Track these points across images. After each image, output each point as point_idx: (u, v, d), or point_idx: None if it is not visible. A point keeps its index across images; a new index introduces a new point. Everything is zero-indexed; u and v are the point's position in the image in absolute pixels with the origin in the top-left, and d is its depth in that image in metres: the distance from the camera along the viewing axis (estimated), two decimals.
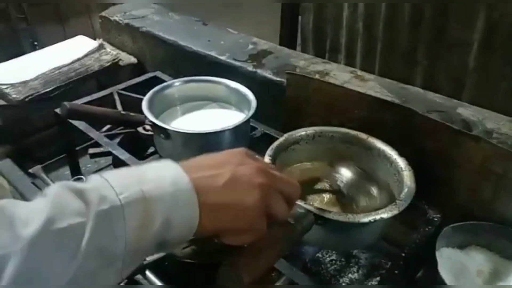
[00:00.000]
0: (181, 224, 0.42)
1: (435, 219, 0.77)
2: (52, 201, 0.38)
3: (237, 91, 0.96)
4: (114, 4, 1.51)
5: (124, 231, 0.38)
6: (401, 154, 0.75)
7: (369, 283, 0.84)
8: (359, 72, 0.95)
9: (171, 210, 0.41)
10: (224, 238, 0.47)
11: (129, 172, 0.43)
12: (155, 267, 0.80)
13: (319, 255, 0.88)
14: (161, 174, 0.42)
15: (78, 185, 0.40)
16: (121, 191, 0.39)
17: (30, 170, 1.11)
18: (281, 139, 0.78)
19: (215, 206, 0.44)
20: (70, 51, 1.31)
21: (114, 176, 0.41)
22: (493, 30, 1.17)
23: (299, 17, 1.73)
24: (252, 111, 0.88)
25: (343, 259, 0.88)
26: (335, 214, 0.62)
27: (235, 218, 0.46)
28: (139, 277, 0.78)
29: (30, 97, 1.14)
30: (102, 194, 0.39)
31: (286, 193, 0.50)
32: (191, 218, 0.42)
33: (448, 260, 0.73)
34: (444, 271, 0.68)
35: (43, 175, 1.11)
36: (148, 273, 0.80)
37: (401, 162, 0.73)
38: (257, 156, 0.52)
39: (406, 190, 0.67)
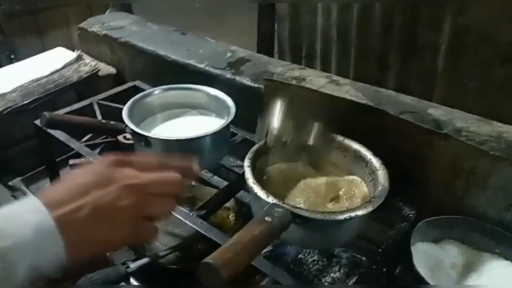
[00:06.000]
0: (49, 263, 0.42)
1: (410, 215, 0.80)
2: None
3: (216, 98, 0.98)
4: (91, 15, 1.52)
5: None
6: (376, 154, 0.78)
7: (351, 281, 0.86)
8: (335, 77, 0.98)
9: (36, 256, 0.41)
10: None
11: None
12: (139, 274, 0.80)
13: (301, 256, 0.90)
14: (22, 223, 0.41)
15: None
16: None
17: (9, 183, 1.10)
18: (260, 143, 0.80)
19: (82, 242, 0.44)
20: (49, 63, 1.31)
21: None
22: (460, 34, 1.23)
23: (275, 26, 1.76)
24: (231, 117, 0.89)
25: (324, 259, 0.89)
26: (312, 212, 0.64)
27: (107, 243, 0.47)
28: (122, 284, 0.79)
29: (8, 109, 1.13)
30: None
31: (165, 192, 0.50)
32: (59, 256, 0.42)
33: (423, 254, 0.75)
34: (420, 265, 0.71)
35: (23, 188, 1.11)
36: (132, 280, 0.80)
37: (375, 162, 0.76)
38: (127, 159, 0.50)
39: (380, 188, 0.70)
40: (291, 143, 0.79)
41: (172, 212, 0.54)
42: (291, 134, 0.79)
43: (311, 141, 0.78)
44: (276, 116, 0.79)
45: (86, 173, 0.47)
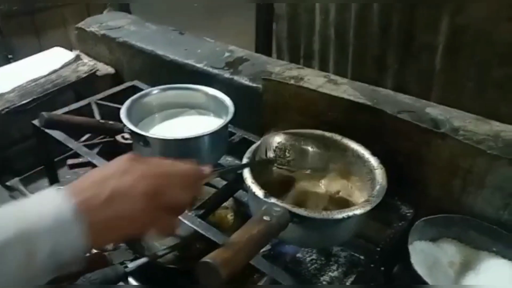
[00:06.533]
0: (69, 250, 0.43)
1: (408, 214, 0.80)
2: None
3: (214, 97, 0.98)
4: (89, 15, 1.52)
5: (13, 266, 0.40)
6: (373, 153, 0.78)
7: (349, 280, 0.86)
8: (333, 77, 0.98)
9: (57, 241, 0.42)
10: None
11: (9, 212, 0.43)
12: (138, 274, 0.81)
13: (300, 255, 0.90)
14: (43, 210, 0.43)
15: None
16: (4, 227, 0.41)
17: (8, 183, 1.10)
18: (258, 142, 0.80)
19: (101, 224, 0.45)
20: (47, 63, 1.31)
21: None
22: (458, 34, 1.23)
23: (274, 25, 1.76)
24: (230, 116, 0.89)
25: (323, 258, 0.90)
26: (310, 211, 0.64)
27: (126, 228, 0.48)
28: (121, 284, 0.79)
29: (6, 109, 1.13)
30: None
31: (184, 180, 0.52)
32: (79, 242, 0.43)
33: (421, 252, 0.76)
34: (418, 264, 0.71)
35: (22, 188, 1.11)
36: (131, 279, 0.80)
37: (373, 161, 0.76)
38: (148, 158, 0.53)
39: (378, 187, 0.70)
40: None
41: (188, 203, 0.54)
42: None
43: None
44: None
45: (107, 167, 0.50)
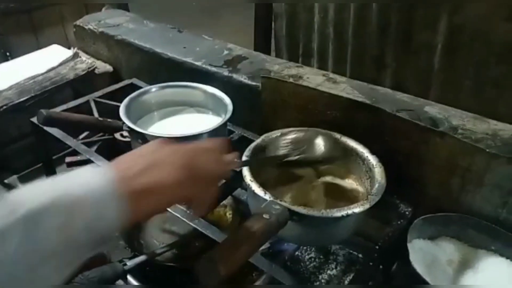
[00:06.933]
0: (108, 219, 0.43)
1: (407, 212, 0.80)
2: None
3: (213, 95, 0.98)
4: (87, 13, 1.51)
5: (53, 229, 0.39)
6: (372, 151, 0.78)
7: (347, 279, 0.86)
8: (331, 75, 0.98)
9: (95, 209, 0.42)
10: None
11: (45, 182, 0.44)
12: (136, 272, 0.81)
13: (298, 253, 0.90)
14: (80, 180, 0.43)
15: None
16: (43, 192, 0.41)
17: (5, 181, 1.10)
18: (258, 141, 0.80)
19: (139, 192, 0.45)
20: (45, 60, 1.30)
21: (35, 185, 0.43)
22: (456, 33, 1.23)
23: (272, 24, 1.76)
24: (228, 115, 0.89)
25: (321, 256, 0.90)
26: (309, 209, 0.64)
27: (164, 195, 0.48)
28: (120, 282, 0.79)
29: (4, 107, 1.13)
30: (27, 197, 0.40)
31: (214, 153, 0.55)
32: (117, 212, 0.43)
33: (420, 251, 0.76)
34: (416, 262, 0.71)
35: (20, 186, 1.10)
36: (129, 277, 0.80)
37: (372, 159, 0.77)
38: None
39: (377, 185, 0.70)
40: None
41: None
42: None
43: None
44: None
45: (138, 149, 0.53)
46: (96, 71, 1.33)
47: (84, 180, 0.43)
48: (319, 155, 0.75)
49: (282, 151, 0.76)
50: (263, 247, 0.82)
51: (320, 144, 0.76)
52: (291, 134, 0.78)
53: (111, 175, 0.45)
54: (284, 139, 0.78)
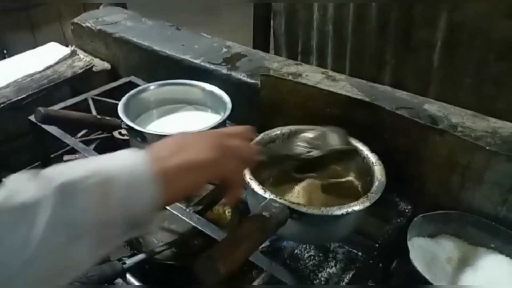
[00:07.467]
0: (142, 198, 0.42)
1: (407, 210, 0.80)
2: (7, 184, 0.39)
3: (212, 93, 0.98)
4: (85, 10, 1.50)
5: (87, 202, 0.39)
6: (372, 149, 0.78)
7: (347, 277, 0.86)
8: (331, 73, 0.98)
9: (129, 187, 0.41)
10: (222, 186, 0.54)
11: (79, 161, 0.45)
12: (135, 270, 0.80)
13: (298, 251, 0.90)
14: (115, 159, 0.44)
15: (34, 171, 0.41)
16: (78, 168, 0.41)
17: (4, 179, 1.09)
18: (257, 138, 0.80)
19: (172, 171, 0.46)
20: (42, 58, 1.30)
21: (69, 164, 0.43)
22: (455, 30, 1.23)
23: (271, 21, 1.75)
24: (228, 112, 0.89)
25: (321, 254, 0.89)
26: (309, 207, 0.64)
27: (197, 174, 0.48)
28: (119, 281, 0.78)
29: (2, 105, 1.12)
30: (60, 172, 0.40)
31: (240, 136, 0.56)
32: (151, 192, 0.43)
33: (419, 249, 0.76)
34: (416, 260, 0.71)
35: None
36: (129, 276, 0.80)
37: (372, 157, 0.76)
38: None
39: (377, 183, 0.70)
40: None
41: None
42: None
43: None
44: None
45: (167, 138, 0.53)
46: (94, 69, 1.32)
47: (119, 159, 0.43)
48: (341, 150, 0.74)
49: (298, 150, 0.74)
50: (262, 245, 0.82)
51: (335, 140, 0.75)
52: (305, 132, 0.77)
53: (146, 156, 0.45)
54: (298, 137, 0.76)
